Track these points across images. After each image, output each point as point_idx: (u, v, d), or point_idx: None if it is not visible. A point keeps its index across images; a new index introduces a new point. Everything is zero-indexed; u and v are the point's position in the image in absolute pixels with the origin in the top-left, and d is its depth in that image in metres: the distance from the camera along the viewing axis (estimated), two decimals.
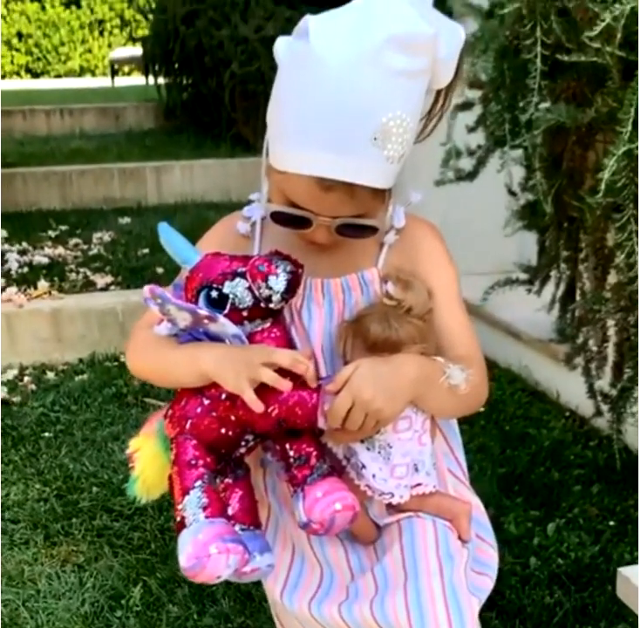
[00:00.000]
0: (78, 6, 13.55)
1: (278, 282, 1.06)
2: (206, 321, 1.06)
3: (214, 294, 1.07)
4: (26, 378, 3.01)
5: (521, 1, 1.62)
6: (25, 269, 3.63)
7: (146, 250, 3.95)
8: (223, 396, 1.08)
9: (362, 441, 1.12)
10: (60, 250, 3.92)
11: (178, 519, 1.05)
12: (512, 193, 2.37)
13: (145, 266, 3.74)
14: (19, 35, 13.31)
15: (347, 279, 1.18)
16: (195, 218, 4.55)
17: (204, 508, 1.03)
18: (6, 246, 3.93)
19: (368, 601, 1.10)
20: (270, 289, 1.05)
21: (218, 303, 1.07)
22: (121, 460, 2.41)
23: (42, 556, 2.04)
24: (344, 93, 1.01)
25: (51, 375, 3.05)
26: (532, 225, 2.32)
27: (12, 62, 13.39)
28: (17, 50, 13.37)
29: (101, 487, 2.30)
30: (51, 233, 4.25)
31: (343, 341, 1.13)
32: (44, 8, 13.37)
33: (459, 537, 1.17)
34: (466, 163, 2.31)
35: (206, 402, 1.09)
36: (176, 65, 6.16)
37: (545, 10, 1.61)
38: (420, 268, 1.17)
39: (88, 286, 3.50)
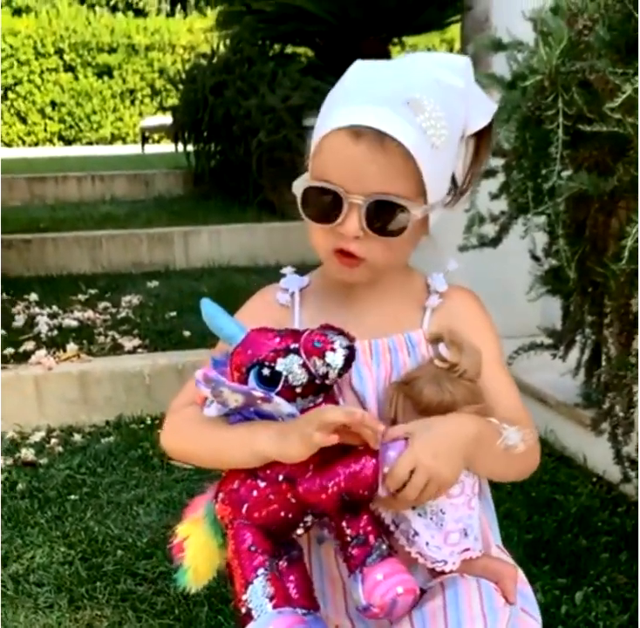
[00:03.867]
0: (111, 76, 13.97)
1: (336, 357, 1.03)
2: (260, 401, 1.04)
3: (267, 372, 1.04)
4: (53, 440, 3.03)
5: (543, 73, 1.67)
6: (55, 332, 3.68)
7: (173, 313, 4.00)
8: (281, 477, 1.05)
9: (413, 507, 1.09)
10: (89, 313, 3.98)
11: (243, 611, 1.01)
12: (535, 258, 2.39)
13: (172, 329, 3.78)
14: (53, 104, 13.72)
15: (393, 339, 1.18)
16: (222, 282, 4.61)
17: (270, 598, 1.01)
18: (37, 309, 3.99)
19: None
20: (328, 365, 1.03)
21: (270, 381, 1.04)
22: (146, 524, 2.42)
23: (66, 619, 2.03)
24: (384, 66, 1.16)
25: (77, 437, 3.06)
26: (556, 290, 2.33)
27: (45, 130, 13.77)
28: (51, 118, 13.76)
29: (125, 550, 2.29)
30: (81, 296, 4.32)
31: (393, 404, 1.12)
32: (77, 78, 13.79)
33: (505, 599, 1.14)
34: (490, 229, 2.34)
35: (262, 485, 1.05)
36: (205, 134, 6.31)
37: (566, 82, 1.65)
38: (464, 332, 1.18)
39: (116, 349, 3.54)
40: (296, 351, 1.04)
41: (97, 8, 16.40)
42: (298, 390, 1.05)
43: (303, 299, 1.25)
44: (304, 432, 1.02)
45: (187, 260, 5.16)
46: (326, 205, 1.10)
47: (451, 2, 5.83)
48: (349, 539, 1.07)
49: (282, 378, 1.04)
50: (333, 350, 1.04)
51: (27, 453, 2.89)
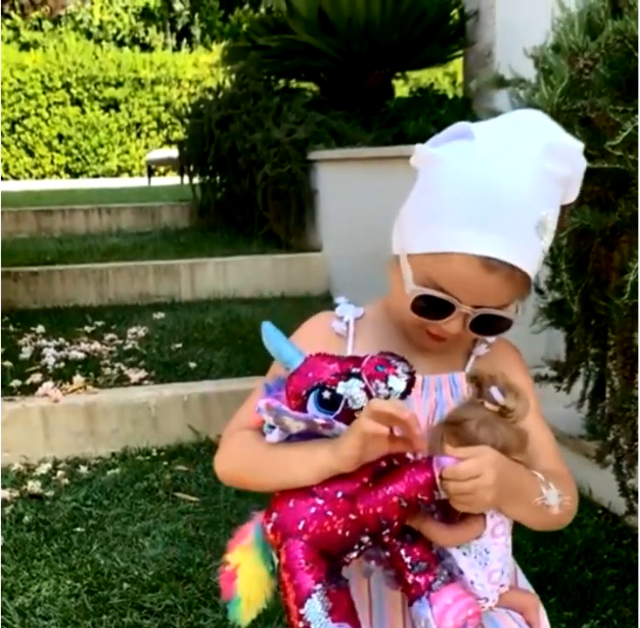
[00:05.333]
0: (117, 110, 14.12)
1: (399, 382, 1.06)
2: (321, 428, 1.06)
3: (327, 395, 1.06)
4: (59, 473, 3.04)
5: (545, 111, 1.69)
6: (62, 364, 3.70)
7: (179, 345, 4.02)
8: (339, 494, 1.05)
9: (458, 546, 1.11)
10: (96, 345, 4.00)
11: (301, 625, 1.01)
12: (539, 291, 2.40)
13: (178, 361, 3.80)
14: (60, 137, 13.85)
15: (439, 378, 1.22)
16: (228, 313, 4.64)
17: (329, 613, 1.00)
18: (43, 341, 4.01)
19: None
20: (390, 389, 1.05)
21: (329, 405, 1.05)
22: (151, 556, 2.42)
23: None
24: (510, 185, 1.09)
25: (83, 469, 3.07)
26: (559, 322, 2.35)
27: (52, 162, 13.90)
28: (58, 151, 13.89)
29: (131, 583, 2.29)
30: (88, 328, 4.34)
31: (440, 441, 1.13)
32: (84, 111, 13.93)
33: None
34: None
35: (320, 502, 1.05)
36: (210, 167, 6.36)
37: (568, 120, 1.68)
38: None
39: (122, 381, 3.55)
40: (358, 375, 1.06)
41: (104, 43, 16.64)
42: (357, 414, 1.05)
43: (358, 329, 1.27)
44: (353, 428, 1.04)
45: (192, 292, 5.20)
46: (436, 308, 1.14)
47: (453, 37, 5.91)
48: (409, 566, 1.07)
49: (343, 402, 1.05)
50: (396, 375, 1.06)
51: (33, 486, 2.90)
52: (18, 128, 13.71)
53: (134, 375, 3.59)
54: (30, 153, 13.84)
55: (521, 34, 2.42)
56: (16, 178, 13.58)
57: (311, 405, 1.07)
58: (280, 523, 1.06)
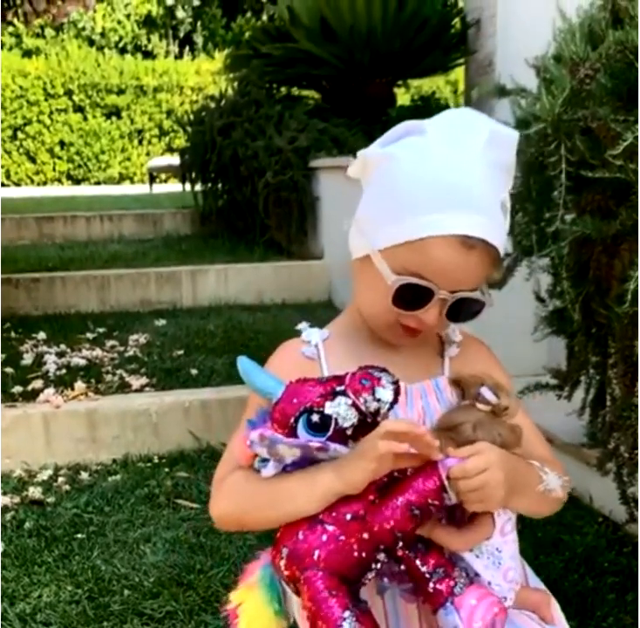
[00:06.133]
0: (119, 117, 14.14)
1: (385, 392, 1.05)
2: (316, 451, 1.06)
3: (316, 417, 1.05)
4: (60, 479, 3.04)
5: (546, 121, 1.70)
6: (63, 371, 3.70)
7: (180, 352, 4.03)
8: (349, 517, 1.05)
9: (470, 550, 1.12)
10: (97, 352, 4.00)
11: None
12: (540, 299, 2.41)
13: (179, 367, 3.80)
14: (62, 143, 13.87)
15: (423, 385, 1.23)
16: (229, 320, 4.64)
17: None
18: (45, 348, 4.02)
19: None
20: (378, 400, 1.05)
21: (320, 427, 1.05)
22: (152, 563, 2.42)
23: None
24: (471, 169, 1.13)
25: (84, 475, 3.08)
26: (560, 331, 2.35)
27: (54, 169, 13.92)
28: (60, 157, 13.91)
29: (132, 589, 2.30)
30: (89, 335, 4.35)
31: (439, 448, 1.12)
32: (86, 118, 13.96)
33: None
34: None
35: (331, 528, 1.05)
36: (212, 174, 6.38)
37: (569, 130, 1.69)
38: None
39: (123, 387, 3.56)
40: (343, 393, 1.06)
41: (106, 50, 16.67)
42: (349, 432, 1.06)
43: (327, 350, 1.27)
44: (364, 452, 1.04)
45: (194, 298, 5.21)
46: (416, 296, 1.16)
47: (455, 46, 5.93)
48: (428, 576, 1.07)
49: (333, 422, 1.05)
50: (382, 386, 1.06)
51: (34, 492, 2.90)
52: (20, 135, 13.74)
53: (136, 382, 3.60)
54: (32, 160, 13.86)
55: (522, 43, 2.44)
56: (17, 184, 13.60)
57: (301, 430, 1.06)
58: (293, 557, 1.05)
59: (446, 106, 5.98)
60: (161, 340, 4.28)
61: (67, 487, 2.98)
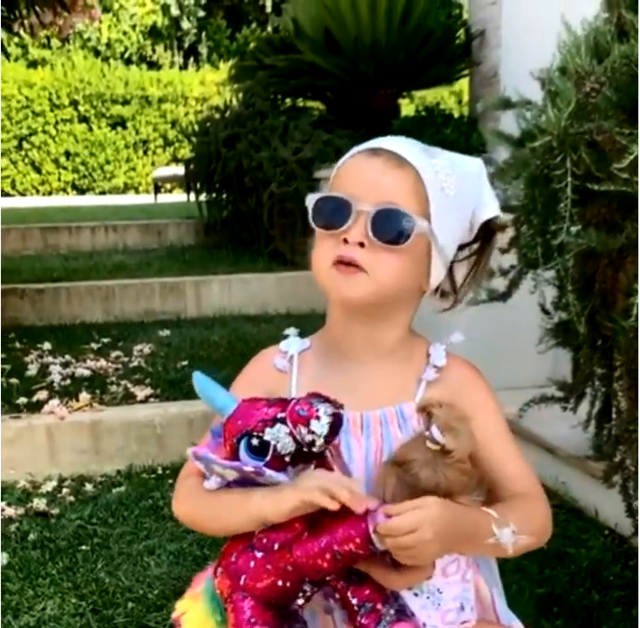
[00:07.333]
0: (124, 127, 14.19)
1: (320, 425, 1.04)
2: (253, 475, 1.06)
3: (255, 442, 1.06)
4: (65, 490, 3.04)
5: (552, 134, 1.70)
6: (68, 382, 3.70)
7: (184, 363, 4.03)
8: (276, 546, 1.05)
9: (409, 588, 1.10)
10: (102, 363, 4.00)
11: None
12: (545, 311, 2.40)
13: (183, 378, 3.80)
14: (67, 154, 13.92)
15: (385, 412, 1.20)
16: (233, 331, 4.64)
17: None
18: (50, 358, 4.02)
19: None
20: (313, 433, 1.04)
21: (259, 451, 1.06)
22: (156, 575, 2.41)
23: None
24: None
25: (89, 487, 3.07)
26: (566, 343, 2.34)
27: (59, 179, 13.96)
28: (65, 168, 13.96)
29: (136, 602, 2.29)
30: (94, 345, 4.35)
31: (384, 484, 1.11)
32: (91, 129, 14.01)
33: None
34: (499, 283, 2.37)
35: (259, 555, 1.06)
36: (217, 185, 6.39)
37: (575, 143, 1.69)
38: (465, 407, 1.17)
39: (128, 398, 3.56)
40: (283, 421, 1.06)
41: (111, 60, 16.73)
42: (287, 459, 1.06)
43: (301, 363, 1.27)
44: (294, 488, 1.05)
45: (198, 309, 5.21)
46: (335, 212, 1.16)
47: (459, 57, 5.94)
48: (356, 608, 1.07)
49: (271, 448, 1.06)
50: (317, 418, 1.04)
51: (39, 503, 2.90)
52: (26, 145, 13.78)
53: (140, 393, 3.59)
54: (38, 170, 13.90)
55: (527, 55, 2.44)
56: (23, 194, 13.64)
57: (243, 452, 1.07)
58: (224, 578, 1.07)
59: (451, 117, 5.98)
60: (165, 351, 4.28)
61: (71, 498, 2.98)
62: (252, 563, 1.06)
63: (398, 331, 1.24)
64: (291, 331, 1.31)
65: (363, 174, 1.16)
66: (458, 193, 1.19)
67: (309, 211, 1.19)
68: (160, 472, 3.19)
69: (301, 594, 1.07)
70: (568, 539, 2.57)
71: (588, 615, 2.16)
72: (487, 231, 1.29)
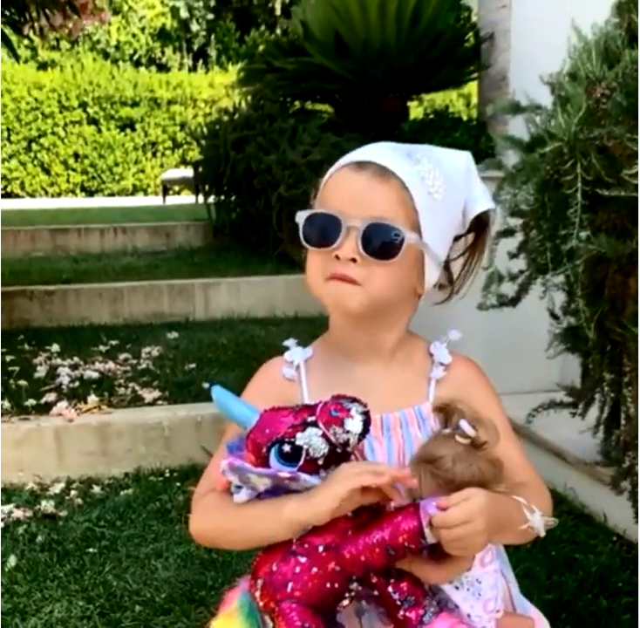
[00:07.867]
0: (133, 129, 14.20)
1: (355, 423, 1.06)
2: (287, 481, 1.07)
3: (287, 448, 1.07)
4: (73, 492, 3.05)
5: (562, 140, 1.70)
6: (76, 384, 3.71)
7: (192, 365, 4.03)
8: (321, 549, 1.06)
9: (450, 582, 1.11)
10: (110, 365, 4.01)
11: None
12: (554, 316, 2.40)
13: (191, 381, 3.81)
14: (76, 155, 13.93)
15: (404, 413, 1.22)
16: (241, 334, 4.65)
17: None
18: (58, 360, 4.03)
19: None
20: (348, 432, 1.05)
21: (292, 457, 1.06)
22: (164, 579, 2.42)
23: None
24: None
25: (97, 489, 3.08)
26: (575, 348, 2.34)
27: (68, 181, 13.98)
28: (74, 169, 13.97)
29: (144, 605, 2.29)
30: (102, 347, 4.36)
31: (418, 481, 1.11)
32: (100, 130, 14.02)
33: None
34: (508, 288, 2.36)
35: (303, 560, 1.06)
36: (225, 187, 6.39)
37: (585, 148, 1.68)
38: (472, 403, 1.19)
39: (136, 400, 3.56)
40: (314, 424, 1.07)
41: (120, 63, 16.77)
42: (320, 462, 1.07)
43: (309, 371, 1.27)
44: (331, 486, 1.05)
45: (206, 312, 5.21)
46: (325, 229, 1.18)
47: (468, 60, 5.93)
48: (399, 603, 1.08)
49: (304, 452, 1.06)
50: (351, 416, 1.06)
51: (47, 506, 2.90)
52: (35, 147, 13.80)
53: (148, 395, 3.60)
54: (47, 172, 13.92)
55: (536, 58, 2.43)
56: (32, 196, 13.67)
57: (273, 460, 1.07)
58: (268, 589, 1.06)
59: (460, 120, 5.98)
60: (174, 353, 4.29)
61: (79, 500, 2.99)
62: (298, 569, 1.06)
63: (397, 334, 1.26)
64: (291, 342, 1.32)
65: (350, 190, 1.18)
66: (446, 194, 1.21)
67: (300, 229, 1.22)
68: (167, 474, 3.19)
69: (347, 594, 1.08)
70: (576, 545, 2.56)
71: (597, 621, 2.15)
72: (480, 223, 1.30)
